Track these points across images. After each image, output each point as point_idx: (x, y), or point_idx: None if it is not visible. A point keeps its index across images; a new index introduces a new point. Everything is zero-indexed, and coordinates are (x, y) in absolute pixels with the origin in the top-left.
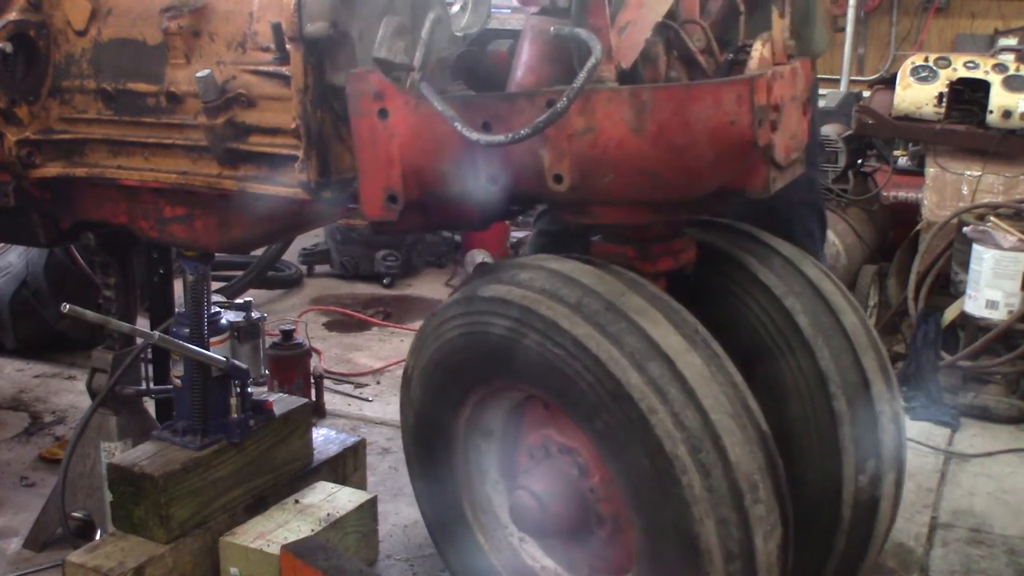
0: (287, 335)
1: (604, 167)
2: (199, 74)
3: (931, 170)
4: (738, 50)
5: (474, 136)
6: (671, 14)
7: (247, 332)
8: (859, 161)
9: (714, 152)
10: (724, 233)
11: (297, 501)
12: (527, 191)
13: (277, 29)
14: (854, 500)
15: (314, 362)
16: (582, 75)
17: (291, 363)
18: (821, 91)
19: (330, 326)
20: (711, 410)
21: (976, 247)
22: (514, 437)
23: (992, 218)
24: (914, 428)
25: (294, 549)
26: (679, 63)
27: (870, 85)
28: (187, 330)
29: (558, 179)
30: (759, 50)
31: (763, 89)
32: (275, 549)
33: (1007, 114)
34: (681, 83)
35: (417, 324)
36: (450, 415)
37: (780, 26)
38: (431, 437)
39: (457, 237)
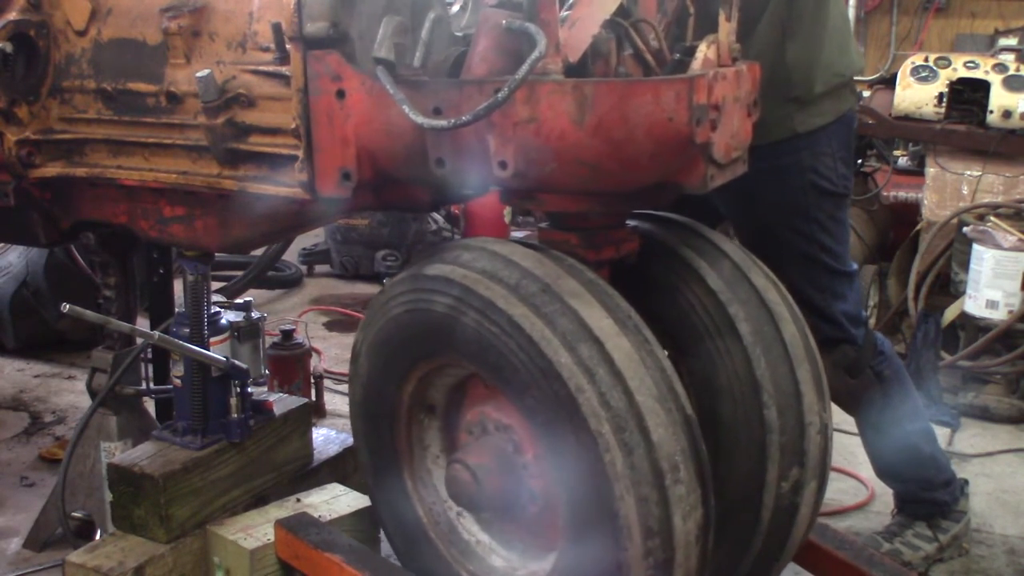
0: (287, 335)
1: (546, 156)
2: (199, 74)
3: (931, 170)
4: (685, 51)
5: (419, 119)
6: (625, 12)
7: (247, 332)
8: (859, 161)
9: (652, 147)
10: (678, 232)
11: (299, 500)
12: (474, 176)
13: (277, 29)
14: (775, 504)
15: (314, 362)
16: (524, 67)
17: (291, 363)
18: None
19: (330, 326)
20: (637, 392)
21: (976, 247)
22: (456, 414)
23: (992, 218)
24: None
25: (287, 524)
26: (631, 60)
27: (870, 85)
28: (187, 330)
29: (503, 165)
30: (704, 51)
31: (703, 88)
32: (251, 544)
33: (1007, 114)
34: (623, 78)
35: None
36: (394, 389)
37: (726, 29)
38: (376, 410)
39: (457, 236)
